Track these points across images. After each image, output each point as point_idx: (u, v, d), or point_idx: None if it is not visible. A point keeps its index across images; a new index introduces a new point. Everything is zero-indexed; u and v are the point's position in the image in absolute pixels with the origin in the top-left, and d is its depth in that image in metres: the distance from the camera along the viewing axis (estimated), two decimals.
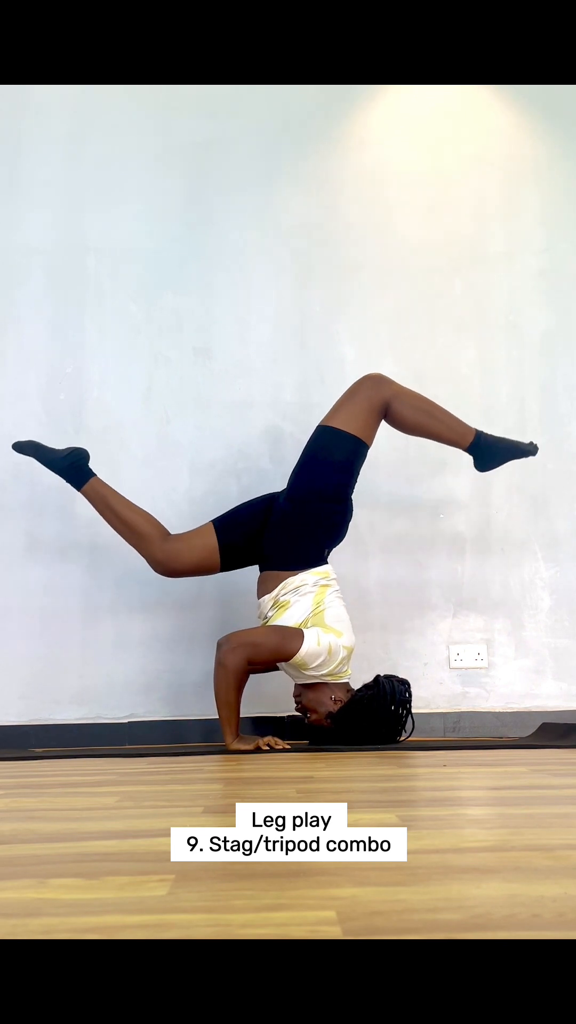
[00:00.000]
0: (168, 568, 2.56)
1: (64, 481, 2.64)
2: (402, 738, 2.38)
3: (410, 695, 2.36)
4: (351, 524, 2.80)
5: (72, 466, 2.59)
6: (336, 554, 2.79)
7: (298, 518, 2.50)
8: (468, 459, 3.09)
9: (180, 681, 2.87)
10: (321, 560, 2.53)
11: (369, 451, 2.86)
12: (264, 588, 2.51)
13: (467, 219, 3.28)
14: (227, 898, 0.71)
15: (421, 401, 2.55)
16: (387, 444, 3.09)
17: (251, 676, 2.43)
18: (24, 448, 2.63)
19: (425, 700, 2.90)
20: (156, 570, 2.58)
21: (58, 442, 2.98)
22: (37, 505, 2.93)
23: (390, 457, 3.07)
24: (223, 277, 3.15)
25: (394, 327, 3.17)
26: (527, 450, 2.60)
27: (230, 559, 2.56)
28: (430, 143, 3.32)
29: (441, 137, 3.32)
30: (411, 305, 3.20)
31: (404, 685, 2.36)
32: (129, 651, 2.87)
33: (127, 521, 2.56)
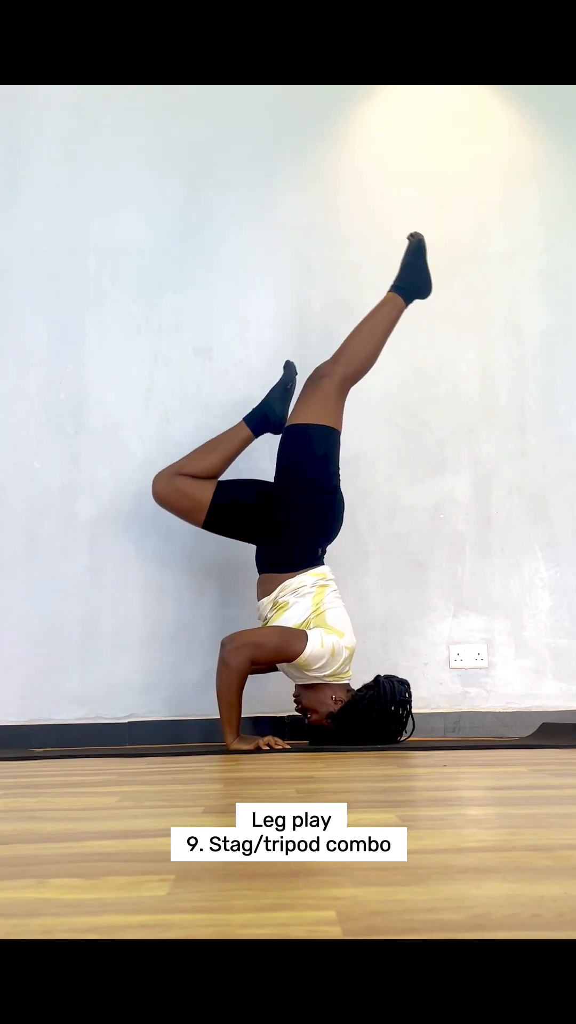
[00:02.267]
0: (157, 496, 2.62)
1: (63, 500, 2.79)
2: (402, 738, 2.38)
3: (410, 695, 2.36)
4: (351, 524, 2.80)
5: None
6: (336, 554, 2.79)
7: (291, 520, 2.50)
8: (468, 459, 3.10)
9: (180, 681, 2.87)
10: (318, 560, 2.53)
11: (369, 451, 2.86)
12: (263, 590, 2.52)
13: (467, 219, 3.28)
14: (227, 898, 0.71)
15: (357, 339, 2.62)
16: (387, 444, 3.09)
17: (251, 676, 2.43)
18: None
19: (425, 700, 2.90)
20: (154, 488, 2.63)
21: (58, 442, 2.98)
22: (37, 505, 2.93)
23: (390, 457, 3.08)
24: (223, 277, 3.15)
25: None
26: (417, 243, 2.70)
27: (214, 524, 2.59)
28: (430, 143, 3.32)
29: (441, 137, 3.32)
30: (411, 305, 3.19)
31: (404, 685, 2.36)
32: (129, 651, 2.87)
33: (214, 447, 2.64)
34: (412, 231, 2.75)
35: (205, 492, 2.57)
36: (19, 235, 3.11)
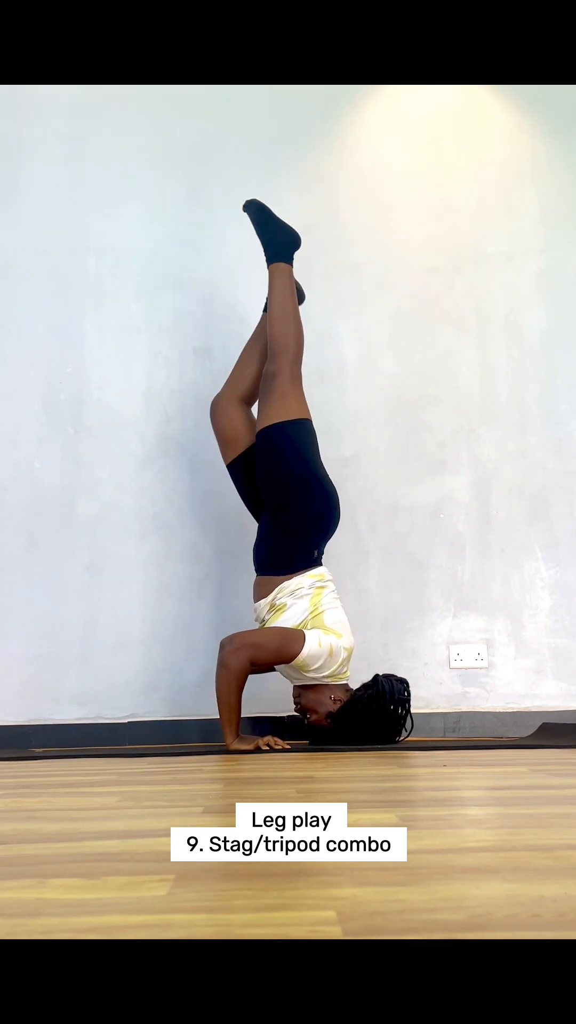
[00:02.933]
0: (213, 417, 2.69)
1: (63, 500, 2.75)
2: (401, 737, 2.38)
3: (409, 694, 2.36)
4: (351, 524, 2.80)
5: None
6: (336, 554, 2.79)
7: (286, 523, 2.49)
8: (468, 459, 3.10)
9: (180, 681, 2.87)
10: (314, 561, 2.52)
11: (369, 451, 2.85)
12: (260, 592, 2.52)
13: (467, 219, 3.28)
14: (227, 898, 0.71)
15: (279, 327, 2.59)
16: (387, 444, 3.09)
17: (250, 676, 2.43)
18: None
19: (425, 700, 2.89)
20: (213, 405, 2.70)
21: (58, 442, 2.98)
22: (37, 505, 2.93)
23: (390, 457, 3.08)
24: (223, 277, 3.15)
25: (394, 327, 3.17)
26: (255, 209, 2.69)
27: (236, 470, 2.65)
28: (430, 143, 3.32)
29: (441, 137, 3.32)
30: (411, 305, 3.20)
31: (403, 684, 2.36)
32: (129, 651, 2.87)
33: (252, 347, 2.69)
34: (243, 205, 2.72)
35: (249, 435, 2.63)
36: (19, 235, 3.11)
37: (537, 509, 3.08)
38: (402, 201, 3.26)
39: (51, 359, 3.04)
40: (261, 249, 2.96)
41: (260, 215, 2.67)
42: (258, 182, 3.22)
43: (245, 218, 3.18)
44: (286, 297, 2.61)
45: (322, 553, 2.57)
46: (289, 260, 2.64)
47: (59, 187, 3.15)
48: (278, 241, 2.65)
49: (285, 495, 2.49)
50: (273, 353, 2.59)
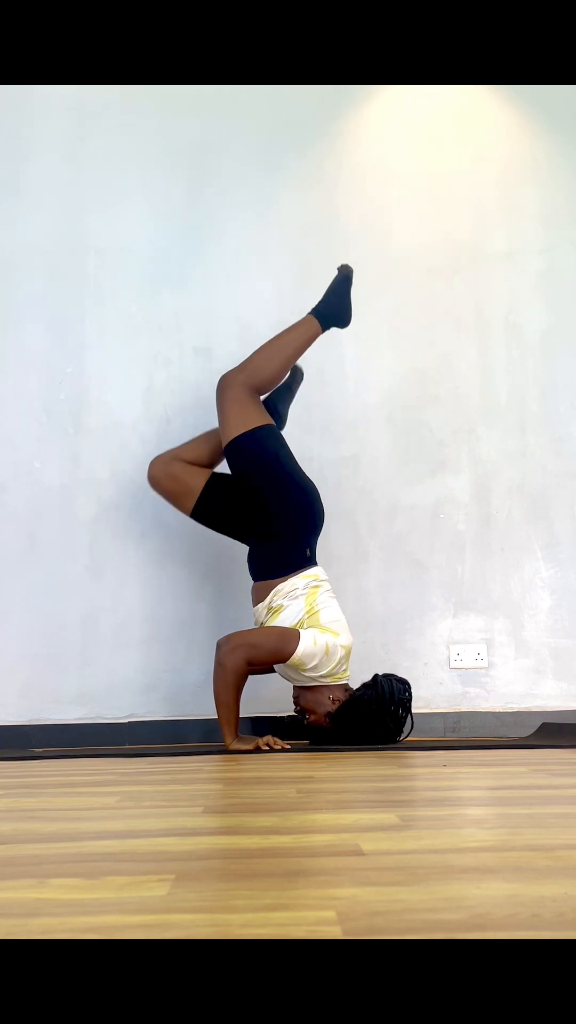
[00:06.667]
0: (152, 479, 2.65)
1: (63, 500, 2.78)
2: (401, 737, 2.38)
3: (409, 694, 2.36)
4: (351, 524, 2.80)
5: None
6: (336, 554, 2.79)
7: (273, 528, 2.50)
8: (468, 459, 3.10)
9: (180, 681, 2.87)
10: (307, 561, 2.52)
11: (369, 451, 2.84)
12: (258, 597, 2.53)
13: (467, 219, 3.28)
14: (227, 898, 0.71)
15: (265, 353, 2.61)
16: (387, 444, 3.09)
17: (250, 677, 2.43)
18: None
19: (425, 700, 2.90)
20: (149, 470, 2.66)
21: (58, 442, 2.98)
22: (37, 505, 2.93)
23: (390, 457, 3.08)
24: (223, 277, 3.15)
25: (394, 327, 3.17)
26: (344, 275, 2.72)
27: (201, 513, 2.63)
28: (429, 143, 3.32)
29: (441, 137, 3.32)
30: (411, 305, 3.20)
31: (403, 684, 2.36)
32: (129, 651, 2.87)
33: (207, 437, 2.68)
34: (343, 263, 2.77)
35: (198, 480, 2.61)
36: (19, 235, 3.11)
37: (537, 509, 3.08)
38: (402, 201, 3.26)
39: (51, 359, 3.04)
40: (263, 252, 2.97)
41: (343, 283, 2.73)
42: (258, 182, 3.22)
43: (245, 218, 3.19)
44: (294, 344, 2.63)
45: (315, 551, 2.56)
46: (325, 327, 2.69)
47: (59, 187, 3.15)
48: (335, 310, 2.71)
49: (267, 502, 2.51)
50: (244, 366, 2.61)
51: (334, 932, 0.61)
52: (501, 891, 0.71)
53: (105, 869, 0.83)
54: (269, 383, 2.62)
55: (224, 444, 2.56)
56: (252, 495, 2.53)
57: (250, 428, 2.53)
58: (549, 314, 3.23)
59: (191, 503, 2.61)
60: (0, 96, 3.18)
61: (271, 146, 3.25)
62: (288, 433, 3.03)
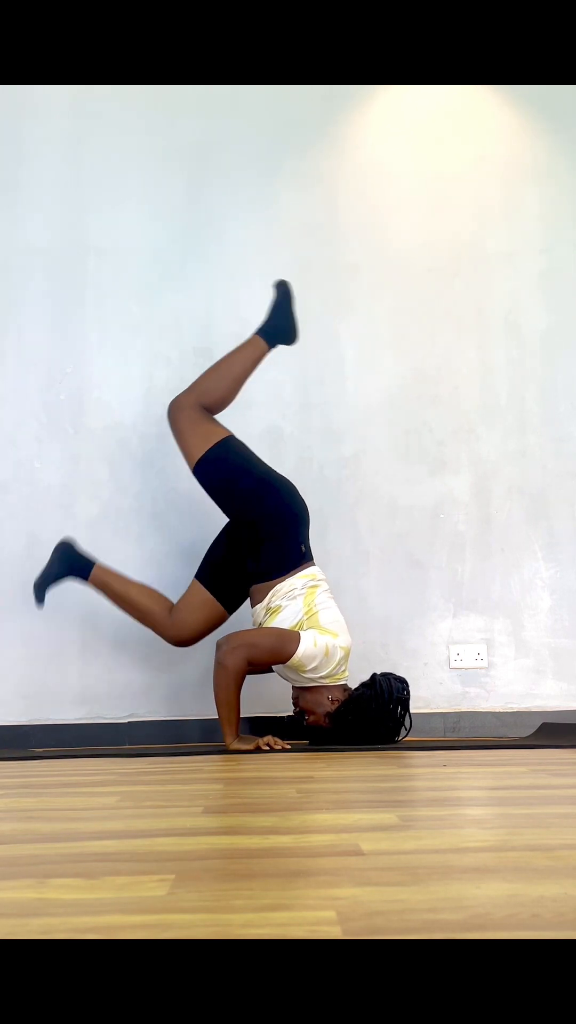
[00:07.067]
0: (182, 638, 2.59)
1: (63, 500, 2.68)
2: (401, 737, 2.38)
3: (408, 693, 2.36)
4: (351, 524, 2.79)
5: (70, 566, 2.63)
6: (336, 554, 2.79)
7: (262, 534, 2.49)
8: (468, 459, 3.10)
9: (180, 681, 2.87)
10: (303, 559, 2.51)
11: (369, 451, 2.82)
12: (256, 598, 2.52)
13: (467, 219, 3.28)
14: (227, 898, 0.71)
15: (213, 375, 2.60)
16: (387, 444, 3.09)
17: (250, 677, 2.43)
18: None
19: (425, 700, 2.90)
20: (173, 643, 2.60)
21: (58, 442, 2.98)
22: (37, 505, 2.93)
23: (389, 457, 3.08)
24: (223, 277, 3.15)
25: (394, 327, 3.17)
26: (283, 292, 2.69)
27: (231, 599, 2.59)
28: (430, 143, 3.32)
29: (441, 137, 3.32)
30: (411, 305, 3.20)
31: (401, 683, 2.36)
32: (129, 651, 2.87)
33: (134, 604, 2.59)
34: (278, 279, 2.74)
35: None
36: (19, 235, 3.11)
37: (537, 509, 3.09)
38: (402, 201, 3.26)
39: (51, 359, 3.04)
40: (263, 252, 2.97)
41: (284, 300, 2.70)
42: (258, 182, 3.22)
43: (245, 218, 3.19)
44: (242, 364, 2.62)
45: (309, 546, 2.56)
46: (271, 345, 2.67)
47: (59, 187, 3.15)
48: (280, 327, 2.68)
49: (248, 510, 2.51)
50: (194, 387, 2.61)
51: (334, 932, 0.61)
52: (501, 891, 0.71)
53: (105, 869, 0.83)
54: (219, 403, 2.61)
55: (191, 467, 2.57)
56: (236, 508, 2.53)
57: (211, 445, 2.53)
58: (549, 314, 3.23)
59: (221, 609, 2.58)
60: (0, 96, 3.18)
61: (271, 146, 3.25)
62: (289, 434, 3.04)
